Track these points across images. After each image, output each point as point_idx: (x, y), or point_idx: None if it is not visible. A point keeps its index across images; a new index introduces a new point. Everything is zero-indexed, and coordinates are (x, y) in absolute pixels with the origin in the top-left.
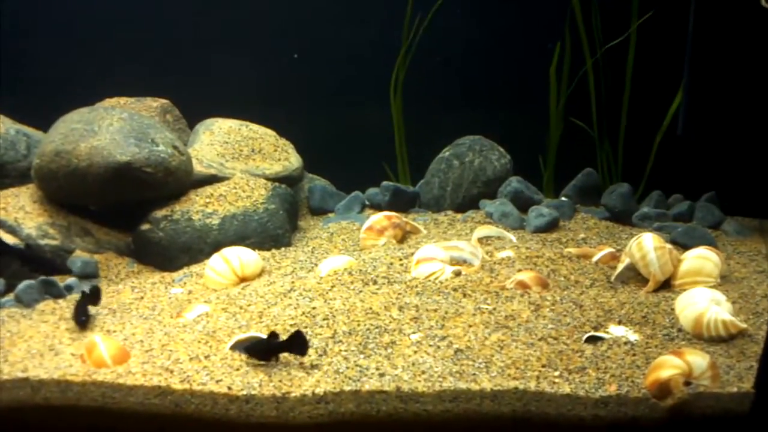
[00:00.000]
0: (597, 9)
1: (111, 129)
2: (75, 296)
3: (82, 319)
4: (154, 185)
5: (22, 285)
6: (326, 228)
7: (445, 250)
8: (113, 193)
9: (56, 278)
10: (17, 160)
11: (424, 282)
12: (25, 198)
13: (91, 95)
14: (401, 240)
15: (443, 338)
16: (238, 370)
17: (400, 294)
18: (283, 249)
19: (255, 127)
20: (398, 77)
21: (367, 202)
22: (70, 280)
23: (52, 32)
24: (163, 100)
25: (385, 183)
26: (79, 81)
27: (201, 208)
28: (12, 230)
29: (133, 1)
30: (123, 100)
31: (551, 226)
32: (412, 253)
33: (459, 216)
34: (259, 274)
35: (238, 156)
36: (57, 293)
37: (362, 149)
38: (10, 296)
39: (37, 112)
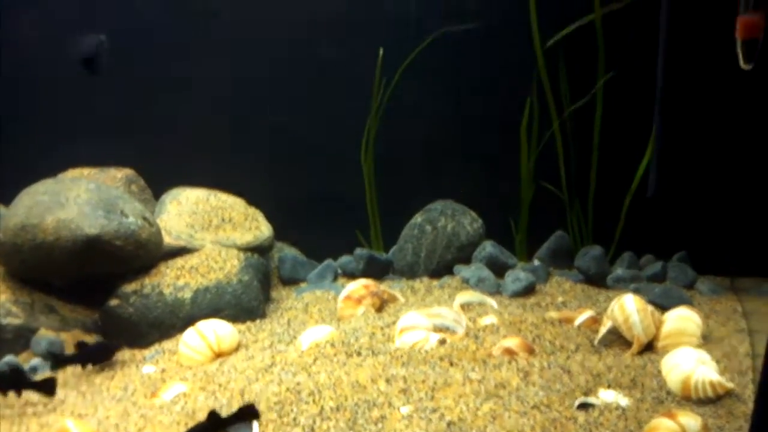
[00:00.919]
0: (564, 69)
1: (79, 201)
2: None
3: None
4: (124, 258)
5: None
6: (300, 298)
7: (427, 318)
8: (81, 268)
9: (20, 359)
10: None
11: (409, 352)
12: None
13: (50, 166)
14: (379, 309)
15: (434, 410)
16: None
17: (385, 365)
18: (258, 321)
19: (223, 195)
20: (368, 140)
21: (339, 271)
22: (35, 360)
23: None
24: (128, 170)
25: (358, 250)
26: (37, 151)
27: (172, 281)
28: None
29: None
30: (86, 170)
31: (528, 290)
32: (394, 322)
33: (435, 282)
34: (236, 349)
35: (207, 226)
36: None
37: (331, 215)
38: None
39: None
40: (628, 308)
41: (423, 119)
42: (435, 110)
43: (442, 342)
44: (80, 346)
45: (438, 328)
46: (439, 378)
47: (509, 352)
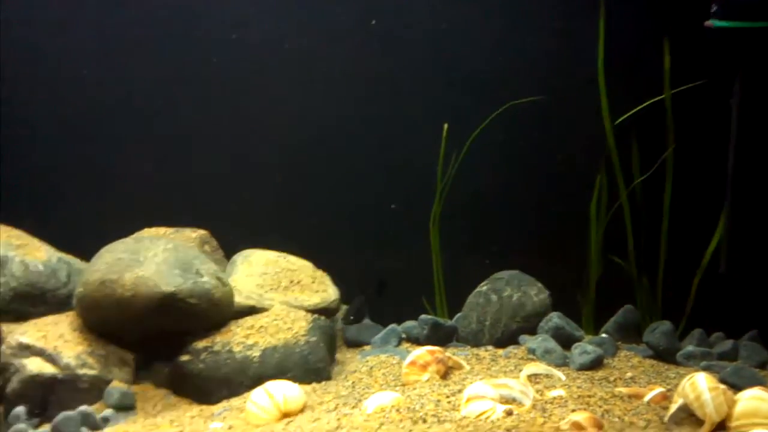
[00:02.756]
0: (636, 143)
1: (156, 259)
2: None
3: None
4: (197, 316)
5: (60, 416)
6: (365, 361)
7: (494, 388)
8: (155, 323)
9: (93, 409)
10: (57, 288)
11: (475, 421)
12: (64, 326)
13: (125, 226)
14: (444, 376)
15: None
16: None
17: None
18: (323, 383)
19: (292, 258)
20: (436, 211)
21: (403, 335)
22: (107, 411)
23: (79, 159)
24: (202, 231)
25: (423, 316)
26: (112, 210)
27: (242, 339)
28: (51, 359)
29: (166, 137)
30: (162, 230)
31: (596, 364)
32: (459, 390)
33: (500, 351)
34: (302, 410)
35: (276, 287)
36: (94, 425)
37: (396, 280)
38: (46, 427)
39: (71, 240)
40: (700, 386)
41: (490, 192)
42: (502, 183)
43: (509, 413)
44: None
45: (505, 399)
46: None
47: (578, 427)
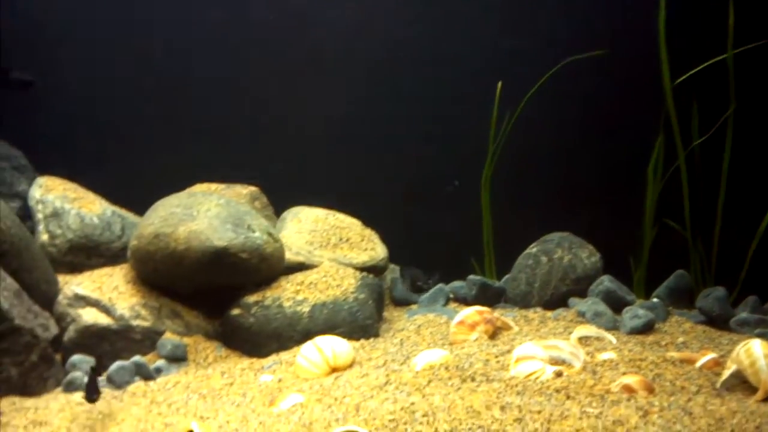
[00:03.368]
0: (696, 104)
1: (209, 214)
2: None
3: (93, 397)
4: (248, 271)
5: (115, 365)
6: (412, 320)
7: (544, 349)
8: (207, 277)
9: (146, 359)
10: (111, 241)
11: (524, 381)
12: (118, 278)
13: (179, 180)
14: (492, 336)
15: None
16: None
17: (500, 393)
18: (371, 339)
19: (341, 216)
20: (487, 172)
21: (451, 295)
22: (159, 362)
23: (132, 115)
24: (252, 187)
25: (471, 277)
26: (167, 164)
27: (292, 295)
28: (106, 310)
29: (225, 90)
30: (213, 185)
31: (647, 328)
32: (508, 350)
33: (549, 313)
34: (351, 365)
35: (325, 244)
36: (147, 375)
37: (445, 240)
38: (102, 376)
39: (126, 193)
40: (755, 353)
41: (543, 152)
42: (556, 144)
43: (559, 374)
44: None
45: (554, 360)
46: (555, 410)
47: (628, 390)
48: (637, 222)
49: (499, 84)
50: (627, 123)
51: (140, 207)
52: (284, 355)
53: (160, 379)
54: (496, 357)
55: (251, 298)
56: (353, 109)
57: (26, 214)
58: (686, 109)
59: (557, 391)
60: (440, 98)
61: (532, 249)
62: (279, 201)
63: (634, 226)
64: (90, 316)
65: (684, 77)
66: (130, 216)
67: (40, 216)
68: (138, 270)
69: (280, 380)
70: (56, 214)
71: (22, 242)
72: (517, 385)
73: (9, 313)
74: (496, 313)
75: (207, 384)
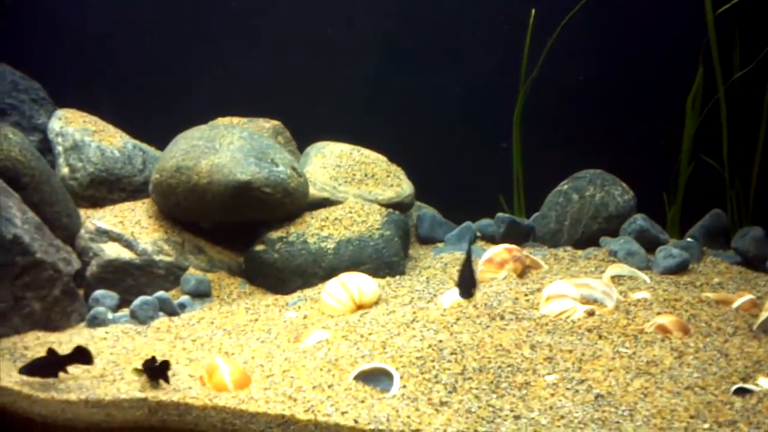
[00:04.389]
0: (738, 36)
1: (232, 147)
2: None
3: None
4: (272, 205)
5: (138, 301)
6: (439, 258)
7: (575, 288)
8: (230, 212)
9: (170, 295)
10: (133, 175)
11: (554, 320)
12: (140, 212)
13: (200, 113)
14: (521, 274)
15: (581, 381)
16: (363, 402)
17: (530, 331)
18: (397, 277)
19: (366, 151)
20: (519, 106)
21: (478, 234)
22: (183, 298)
23: (162, 49)
24: (275, 122)
25: (500, 214)
26: (188, 98)
27: (316, 231)
28: (128, 244)
29: (245, 24)
30: (236, 119)
31: (681, 268)
32: (537, 289)
33: (580, 252)
34: (376, 302)
35: (350, 180)
36: (171, 310)
37: (473, 177)
38: (125, 311)
39: (146, 126)
40: None
41: (577, 86)
42: (590, 77)
43: (591, 313)
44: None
45: (586, 299)
46: (587, 350)
47: (663, 330)
48: (673, 159)
49: (533, 11)
50: (665, 54)
51: (162, 144)
52: (309, 292)
53: (184, 315)
54: (526, 295)
55: (275, 234)
56: (381, 50)
57: (46, 147)
58: (727, 41)
59: (589, 330)
60: (474, 26)
61: (563, 186)
62: (301, 138)
63: (669, 163)
64: (112, 250)
65: (727, 5)
66: (151, 150)
67: (60, 149)
68: (160, 204)
69: (305, 317)
70: (76, 147)
71: (43, 175)
72: (547, 324)
73: (30, 246)
74: (525, 252)
75: (231, 320)
